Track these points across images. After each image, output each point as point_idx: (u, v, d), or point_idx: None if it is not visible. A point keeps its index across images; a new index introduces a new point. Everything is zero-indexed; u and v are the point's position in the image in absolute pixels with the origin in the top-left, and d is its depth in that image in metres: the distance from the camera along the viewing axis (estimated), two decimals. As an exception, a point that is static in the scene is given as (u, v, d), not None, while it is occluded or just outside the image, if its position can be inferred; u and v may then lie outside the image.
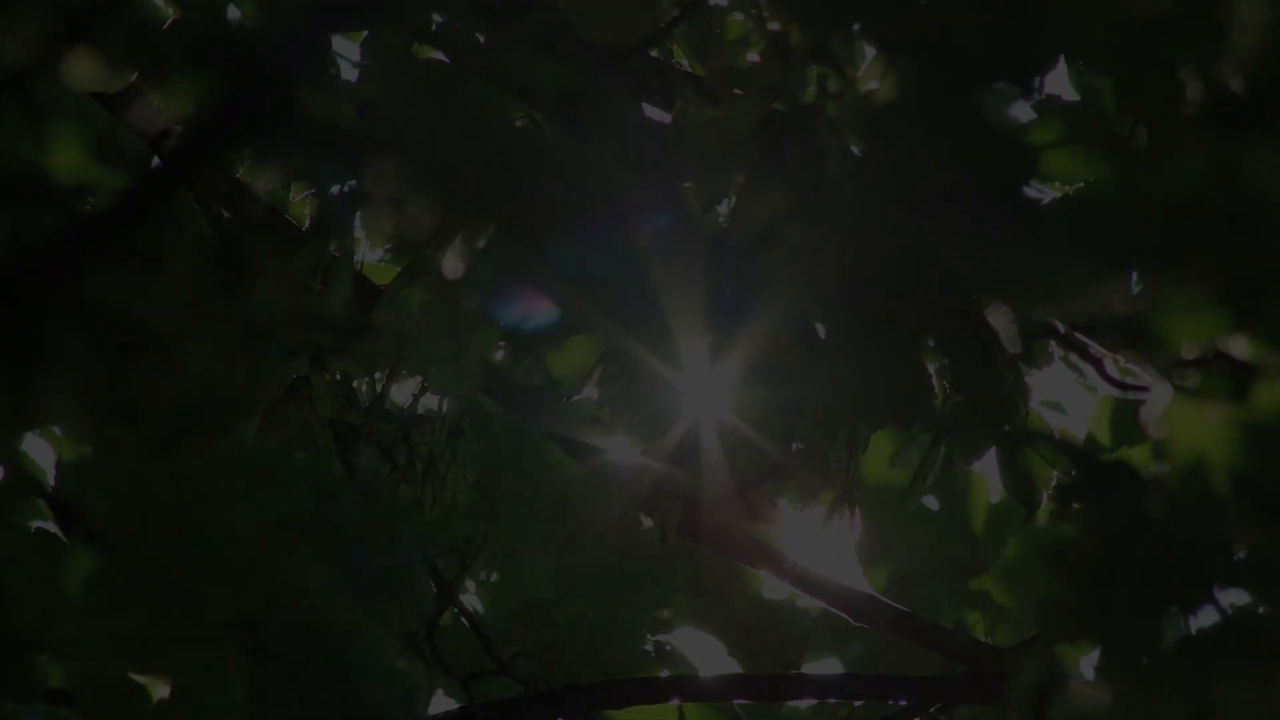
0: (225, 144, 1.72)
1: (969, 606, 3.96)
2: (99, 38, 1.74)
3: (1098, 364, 1.98)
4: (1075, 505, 1.90)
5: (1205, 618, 1.88)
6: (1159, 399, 1.83)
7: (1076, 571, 1.87)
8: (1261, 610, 1.89)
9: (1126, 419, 3.83)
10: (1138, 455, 3.58)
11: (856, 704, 3.76)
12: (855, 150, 1.87)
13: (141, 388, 1.80)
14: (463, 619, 3.17)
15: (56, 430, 2.93)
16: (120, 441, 1.86)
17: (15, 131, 1.83)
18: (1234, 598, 1.89)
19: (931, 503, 4.04)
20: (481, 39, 2.01)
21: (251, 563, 1.92)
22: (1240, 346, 1.81)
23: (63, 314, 1.75)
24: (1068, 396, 4.11)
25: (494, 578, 3.31)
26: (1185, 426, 1.83)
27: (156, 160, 1.76)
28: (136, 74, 2.00)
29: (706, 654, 3.97)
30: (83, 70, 1.75)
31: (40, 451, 3.38)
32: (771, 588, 3.92)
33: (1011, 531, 3.98)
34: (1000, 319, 1.88)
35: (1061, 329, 1.99)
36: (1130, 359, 1.93)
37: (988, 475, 4.03)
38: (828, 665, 3.98)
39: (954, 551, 3.98)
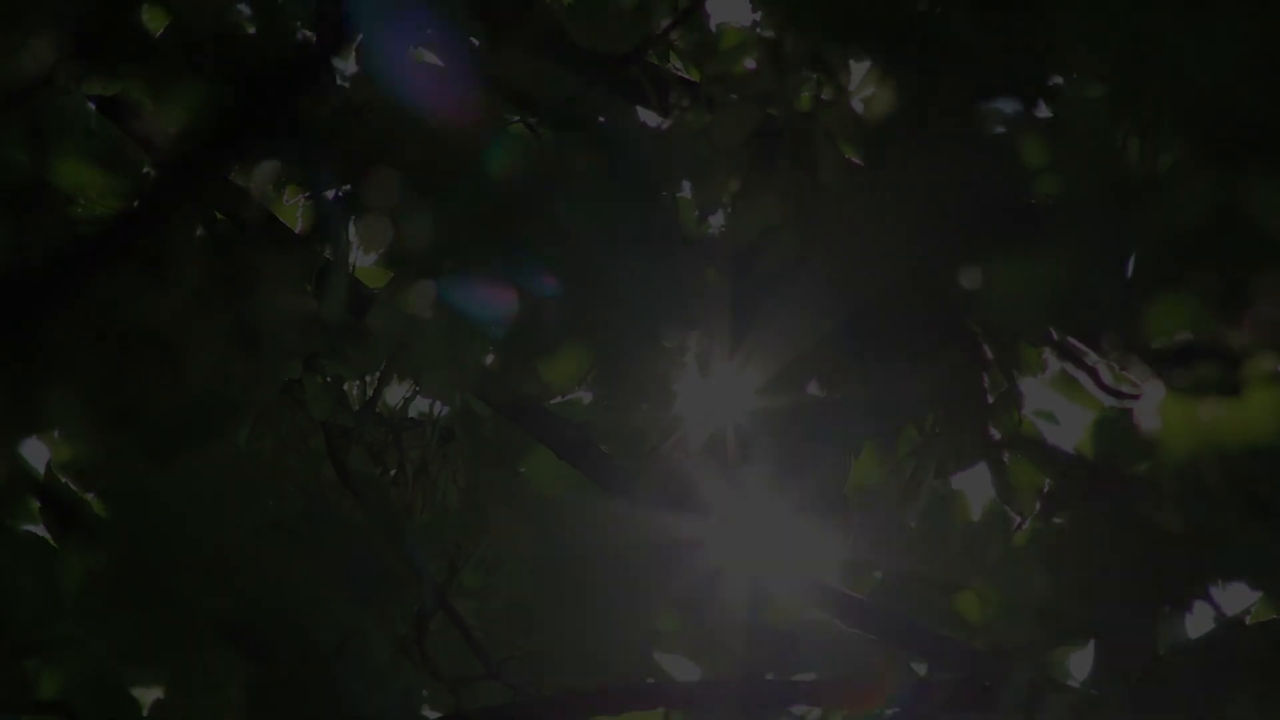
0: (224, 153, 1.73)
1: (947, 623, 3.96)
2: (100, 48, 1.75)
3: (1092, 373, 1.98)
4: (1067, 509, 1.90)
5: (1201, 619, 1.89)
6: (1152, 398, 1.84)
7: (1070, 574, 1.88)
8: (1260, 612, 1.89)
9: (1114, 431, 3.84)
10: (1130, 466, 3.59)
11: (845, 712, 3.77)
12: (850, 158, 1.88)
13: (142, 392, 1.80)
14: (453, 623, 3.17)
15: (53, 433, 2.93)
16: (119, 445, 1.86)
17: (18, 141, 1.83)
18: (1230, 598, 1.89)
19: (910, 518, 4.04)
20: (477, 45, 2.02)
21: (246, 565, 1.92)
22: (1234, 342, 1.81)
23: (64, 320, 1.76)
24: (1061, 407, 4.12)
25: (484, 582, 3.31)
26: (1178, 425, 1.84)
27: (157, 169, 1.76)
28: (137, 83, 2.00)
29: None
30: (84, 80, 1.75)
31: (29, 448, 3.37)
32: (745, 604, 3.92)
33: (991, 549, 3.99)
34: (994, 328, 1.89)
35: (1055, 337, 2.00)
36: (1123, 360, 1.94)
37: (967, 491, 4.04)
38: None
39: (933, 567, 3.99)
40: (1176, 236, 1.76)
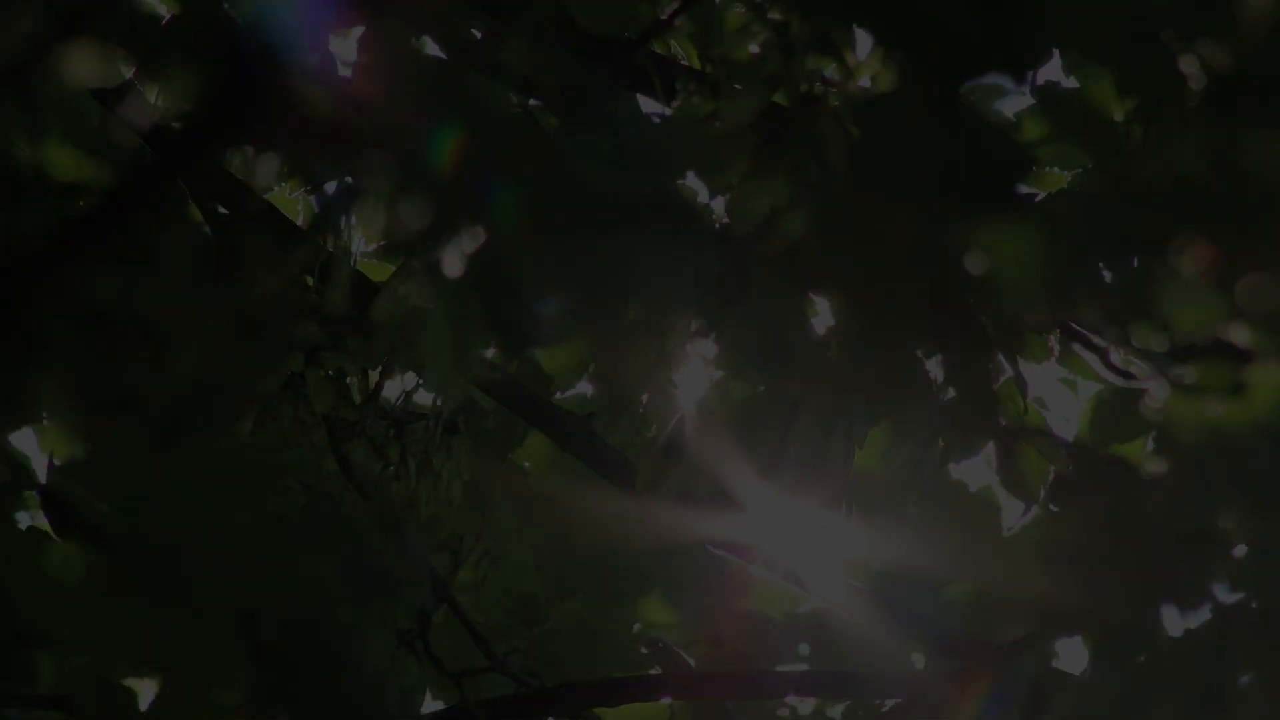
0: (220, 139, 1.72)
1: (945, 613, 3.96)
2: (95, 32, 1.74)
3: (1102, 354, 1.98)
4: (1072, 500, 1.90)
5: (1202, 612, 1.88)
6: (1157, 392, 1.84)
7: (1072, 566, 1.88)
8: (1258, 605, 1.89)
9: (1114, 414, 3.84)
10: (1130, 450, 3.60)
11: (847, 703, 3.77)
12: (855, 141, 1.87)
13: (138, 383, 1.80)
14: (456, 616, 3.16)
15: (46, 425, 2.93)
16: (117, 437, 1.85)
17: (10, 126, 1.82)
18: (1232, 592, 1.89)
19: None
20: (480, 33, 2.01)
21: (249, 560, 1.92)
22: (1239, 336, 1.81)
23: (58, 309, 1.75)
24: (1053, 394, 4.12)
25: (487, 575, 3.31)
26: (1183, 420, 1.84)
27: (151, 154, 1.76)
28: (133, 69, 1.99)
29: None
30: (79, 65, 1.74)
31: (28, 444, 3.38)
32: (741, 597, 3.92)
33: (991, 538, 3.99)
34: (998, 312, 1.89)
35: (1062, 320, 2.00)
36: (1129, 353, 1.94)
37: (968, 479, 4.04)
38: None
39: (932, 554, 3.99)
40: (1171, 193, 1.75)
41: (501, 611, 3.48)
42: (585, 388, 3.38)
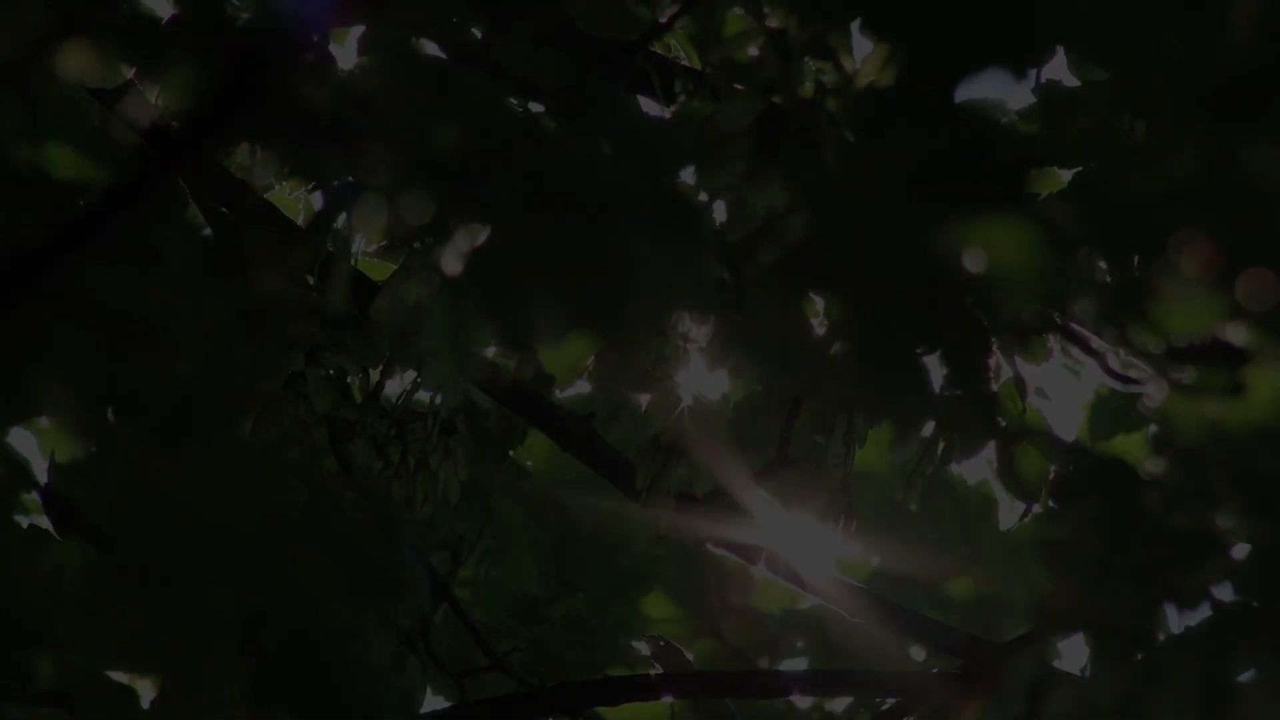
0: (220, 136, 1.72)
1: (943, 609, 3.97)
2: (95, 31, 1.74)
3: (1100, 358, 1.98)
4: (1072, 500, 1.90)
5: (1201, 612, 1.88)
6: (1156, 393, 1.84)
7: (1072, 566, 1.87)
8: (1258, 605, 1.89)
9: (1115, 411, 3.84)
10: (1129, 447, 3.60)
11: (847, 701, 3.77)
12: (853, 141, 1.87)
13: (139, 382, 1.80)
14: (456, 616, 3.17)
15: (45, 425, 2.93)
16: (117, 436, 1.85)
17: (10, 126, 1.82)
18: (1230, 592, 1.89)
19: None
20: (480, 34, 2.01)
21: (249, 559, 1.92)
22: (1237, 336, 1.81)
23: (59, 308, 1.75)
24: (1056, 386, 4.12)
25: (487, 574, 3.32)
26: (1182, 421, 1.84)
27: (150, 152, 1.76)
28: (132, 67, 1.99)
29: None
30: (79, 65, 1.74)
31: (27, 446, 3.38)
32: (740, 595, 3.92)
33: (987, 534, 3.99)
34: (997, 311, 1.89)
35: (1062, 322, 2.00)
36: (1127, 354, 1.94)
37: (967, 477, 4.04)
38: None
39: (930, 553, 3.99)
40: (1171, 193, 1.76)
41: (502, 611, 3.48)
42: (585, 387, 3.38)
